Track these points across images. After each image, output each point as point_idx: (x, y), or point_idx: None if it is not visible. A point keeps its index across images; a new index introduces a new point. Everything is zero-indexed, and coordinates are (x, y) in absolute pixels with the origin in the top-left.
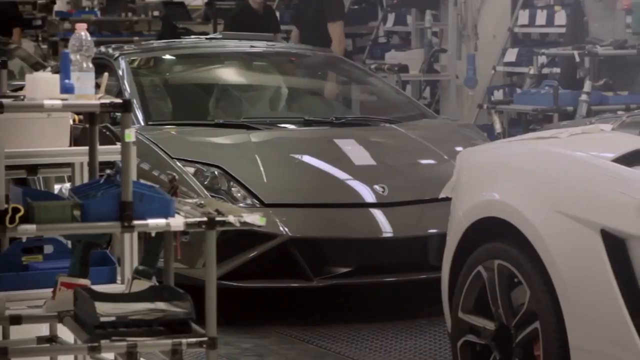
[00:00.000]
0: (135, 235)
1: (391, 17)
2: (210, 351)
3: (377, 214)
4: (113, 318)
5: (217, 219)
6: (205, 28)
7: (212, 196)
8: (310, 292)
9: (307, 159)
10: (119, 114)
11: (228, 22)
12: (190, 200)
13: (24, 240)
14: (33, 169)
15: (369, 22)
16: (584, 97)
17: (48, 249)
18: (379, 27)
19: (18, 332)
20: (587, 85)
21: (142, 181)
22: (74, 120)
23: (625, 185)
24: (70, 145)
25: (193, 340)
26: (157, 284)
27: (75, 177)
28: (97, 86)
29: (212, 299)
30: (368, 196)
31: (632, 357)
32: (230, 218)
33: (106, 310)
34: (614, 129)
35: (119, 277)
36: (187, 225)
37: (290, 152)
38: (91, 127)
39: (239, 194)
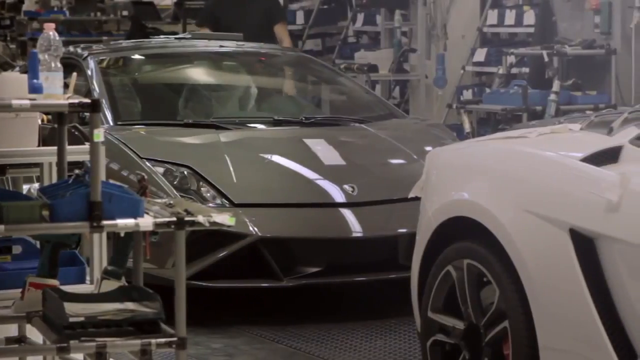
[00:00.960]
0: (104, 235)
1: (360, 17)
2: (180, 351)
3: (347, 213)
4: (82, 318)
5: (187, 219)
6: (175, 28)
7: (181, 196)
8: (280, 292)
9: (276, 158)
10: (87, 114)
11: (203, 15)
12: (159, 200)
13: None
14: (1, 169)
15: (338, 22)
16: (552, 96)
17: (17, 249)
18: (348, 26)
19: None
20: (556, 85)
21: (111, 181)
22: (42, 120)
23: (594, 184)
24: (39, 145)
25: (162, 340)
26: (127, 284)
27: (44, 177)
28: (66, 86)
29: (181, 299)
30: (338, 196)
31: (600, 356)
32: (200, 218)
33: (75, 311)
34: (583, 129)
35: (88, 278)
36: (156, 225)
37: (259, 152)
38: (60, 127)
39: (208, 194)
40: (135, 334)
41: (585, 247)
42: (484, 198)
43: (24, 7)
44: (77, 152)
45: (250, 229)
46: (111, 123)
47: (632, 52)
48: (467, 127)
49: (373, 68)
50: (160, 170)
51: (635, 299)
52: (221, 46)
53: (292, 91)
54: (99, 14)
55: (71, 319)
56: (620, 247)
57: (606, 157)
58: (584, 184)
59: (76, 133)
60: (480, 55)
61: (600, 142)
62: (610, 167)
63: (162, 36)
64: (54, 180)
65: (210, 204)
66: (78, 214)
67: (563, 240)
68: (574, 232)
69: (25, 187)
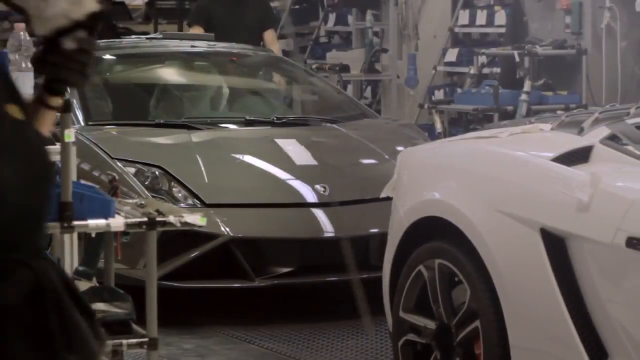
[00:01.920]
0: (75, 235)
1: (332, 17)
2: (151, 352)
3: (319, 213)
4: None
5: (158, 219)
6: (146, 28)
7: (153, 196)
8: (251, 292)
9: (248, 158)
10: (58, 114)
11: (192, 16)
12: (130, 201)
13: None
14: None
15: (310, 22)
16: (523, 96)
17: None
18: (320, 27)
19: None
20: (527, 85)
21: (82, 181)
22: None
23: (565, 184)
24: None
25: (134, 341)
26: (98, 284)
27: None
28: (37, 86)
29: (152, 300)
30: (309, 196)
31: (571, 355)
32: (171, 218)
33: None
34: (554, 129)
35: None
36: (128, 225)
37: (231, 152)
38: None
39: (180, 194)
40: (106, 334)
41: (556, 246)
42: (455, 198)
43: None
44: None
45: (222, 229)
46: (82, 123)
47: (602, 52)
48: (438, 127)
49: (345, 68)
50: (132, 170)
51: (606, 298)
52: (193, 46)
53: (283, 85)
54: None
55: None
56: (590, 247)
57: (577, 157)
58: (555, 184)
59: None
60: (452, 55)
61: (571, 142)
62: (581, 167)
63: (133, 36)
64: None
65: (182, 204)
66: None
67: (534, 239)
68: (544, 231)
69: None
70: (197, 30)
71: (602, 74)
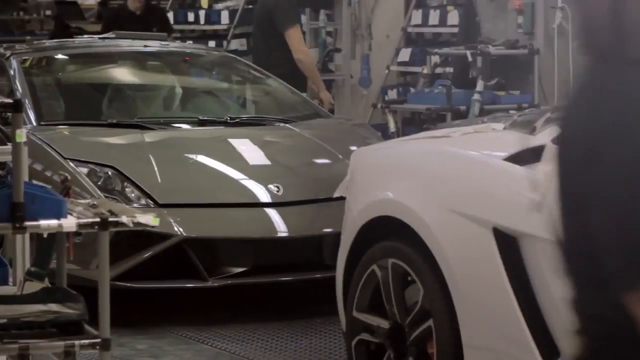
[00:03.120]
0: (27, 236)
1: None
2: (104, 352)
3: (272, 213)
4: (5, 320)
5: (110, 219)
6: (99, 27)
7: (105, 197)
8: (205, 293)
9: (201, 158)
10: (10, 114)
11: (104, 27)
12: (83, 201)
13: None
14: None
15: None
16: (476, 96)
17: None
18: None
19: None
20: (480, 85)
21: (34, 182)
22: None
23: (517, 183)
24: None
25: (86, 341)
26: (50, 285)
27: None
28: None
29: (105, 300)
30: (263, 196)
31: (524, 354)
32: (124, 219)
33: None
34: (506, 128)
35: (10, 279)
36: (80, 226)
37: (184, 152)
38: None
39: (133, 194)
40: (58, 335)
41: (509, 245)
42: (408, 197)
43: None
44: None
45: (175, 229)
46: (34, 123)
47: (554, 52)
48: (392, 126)
49: None
50: (84, 170)
51: (558, 296)
52: (145, 46)
53: (327, 106)
54: (21, 13)
55: None
56: (542, 246)
57: (529, 156)
58: (507, 183)
59: None
60: (405, 55)
61: (523, 141)
62: (533, 166)
63: (85, 36)
64: None
65: (135, 205)
66: (0, 215)
67: (486, 239)
68: (497, 231)
69: None
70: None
71: (554, 73)
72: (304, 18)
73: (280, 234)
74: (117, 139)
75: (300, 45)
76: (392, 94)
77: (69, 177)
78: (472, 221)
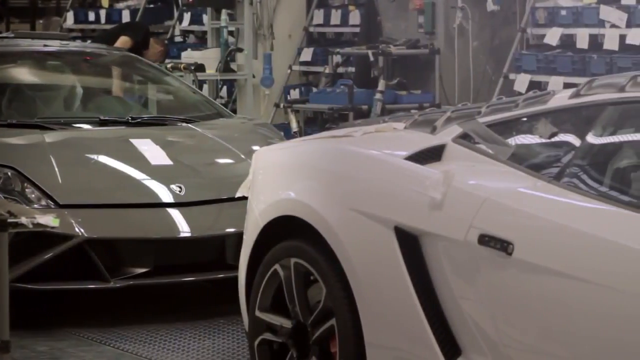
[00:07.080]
0: None
1: (187, 16)
2: (3, 355)
3: (174, 213)
4: None
5: (10, 220)
6: None
7: (5, 197)
8: (107, 293)
9: (102, 159)
10: None
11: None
12: None
13: None
14: None
15: (164, 21)
16: (378, 95)
17: None
18: (174, 26)
19: None
20: (381, 84)
21: None
22: None
23: (418, 182)
24: None
25: None
26: None
27: None
28: None
29: (4, 302)
30: (165, 196)
31: (425, 352)
32: (23, 220)
33: None
34: (407, 128)
35: None
36: None
37: (85, 152)
38: None
39: (33, 195)
40: None
41: (410, 244)
42: (310, 197)
43: None
44: None
45: (76, 230)
46: None
47: (455, 51)
48: (294, 126)
49: (200, 67)
50: None
51: (459, 295)
52: (45, 45)
53: (119, 92)
54: None
55: None
56: (444, 244)
57: (430, 155)
58: (408, 182)
59: None
60: (307, 54)
61: (424, 140)
62: (433, 165)
63: None
64: None
65: (35, 205)
66: None
67: (388, 238)
68: (399, 229)
69: None
70: None
71: (455, 73)
72: (205, 17)
73: (182, 234)
74: (17, 139)
75: None
76: (295, 94)
77: None
78: (374, 220)
